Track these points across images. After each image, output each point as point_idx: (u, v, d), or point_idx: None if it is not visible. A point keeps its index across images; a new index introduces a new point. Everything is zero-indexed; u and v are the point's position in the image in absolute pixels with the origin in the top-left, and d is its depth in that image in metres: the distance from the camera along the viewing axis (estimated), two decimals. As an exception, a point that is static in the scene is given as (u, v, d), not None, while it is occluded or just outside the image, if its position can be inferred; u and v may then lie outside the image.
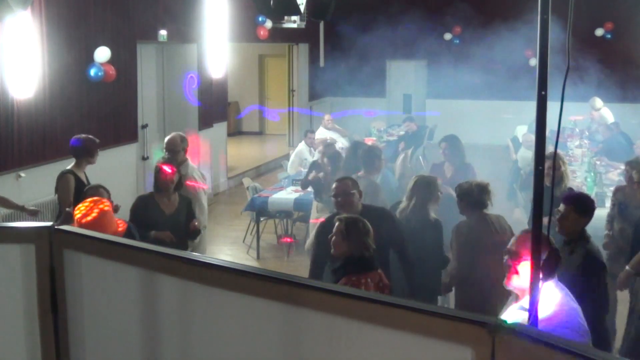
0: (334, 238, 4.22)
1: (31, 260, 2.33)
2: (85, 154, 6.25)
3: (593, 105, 12.62)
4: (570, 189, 5.83)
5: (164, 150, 6.53)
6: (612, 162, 9.64)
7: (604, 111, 12.82)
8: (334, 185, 5.18)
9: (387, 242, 4.90)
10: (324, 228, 4.81)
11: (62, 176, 6.14)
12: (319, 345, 1.88)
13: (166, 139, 6.61)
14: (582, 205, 4.38)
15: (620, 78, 14.50)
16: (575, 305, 3.02)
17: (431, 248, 5.24)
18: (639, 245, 5.43)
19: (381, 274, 4.14)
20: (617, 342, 5.58)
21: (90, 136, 6.40)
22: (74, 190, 6.15)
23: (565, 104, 2.29)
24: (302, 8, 7.87)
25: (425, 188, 5.30)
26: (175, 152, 6.44)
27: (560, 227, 4.35)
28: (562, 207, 4.36)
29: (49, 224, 2.39)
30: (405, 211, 5.32)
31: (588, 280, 4.09)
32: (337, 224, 4.24)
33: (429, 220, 5.26)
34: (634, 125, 12.73)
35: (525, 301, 2.71)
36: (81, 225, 4.15)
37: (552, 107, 2.21)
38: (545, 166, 2.52)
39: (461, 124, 15.96)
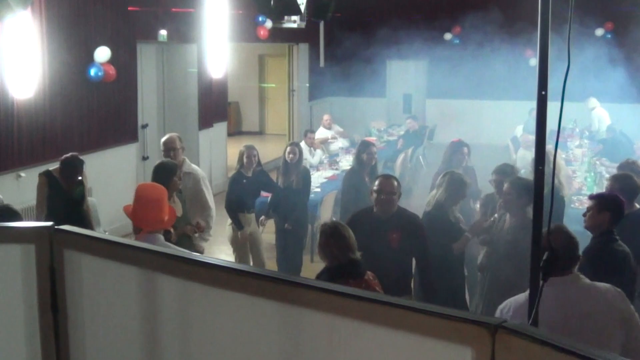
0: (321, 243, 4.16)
1: (31, 260, 2.33)
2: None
3: (587, 105, 12.68)
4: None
5: (162, 150, 6.50)
6: (612, 162, 9.64)
7: (598, 111, 12.86)
8: (377, 181, 5.12)
9: (410, 249, 4.96)
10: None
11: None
12: (319, 345, 1.88)
13: (164, 139, 6.56)
14: (616, 207, 4.52)
15: (620, 78, 14.48)
16: None
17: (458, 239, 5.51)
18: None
19: (368, 281, 3.94)
20: None
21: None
22: (51, 192, 6.05)
23: (565, 103, 2.29)
24: (302, 8, 7.88)
25: (456, 184, 5.56)
26: (175, 149, 6.41)
27: (590, 225, 4.50)
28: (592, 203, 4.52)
29: (49, 223, 2.39)
30: (434, 202, 5.57)
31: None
32: (321, 230, 4.18)
33: (455, 215, 5.58)
34: (634, 125, 12.71)
35: None
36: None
37: (552, 107, 2.21)
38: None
39: (461, 124, 15.99)
